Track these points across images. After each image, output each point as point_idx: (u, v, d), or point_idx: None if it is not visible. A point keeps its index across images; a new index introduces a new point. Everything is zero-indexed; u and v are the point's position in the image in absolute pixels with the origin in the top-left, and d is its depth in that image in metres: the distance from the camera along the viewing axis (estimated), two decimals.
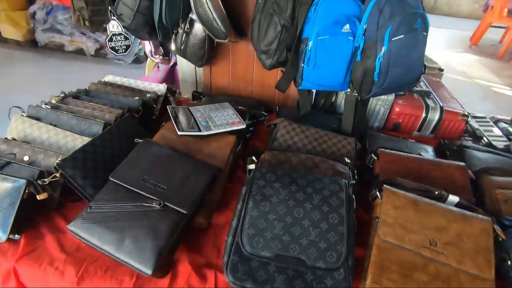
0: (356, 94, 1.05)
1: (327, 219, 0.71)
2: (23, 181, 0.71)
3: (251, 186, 0.77)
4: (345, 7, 0.91)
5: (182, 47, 1.17)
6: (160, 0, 0.99)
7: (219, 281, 0.70)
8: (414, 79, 0.95)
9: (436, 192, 0.79)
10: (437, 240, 0.68)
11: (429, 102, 1.27)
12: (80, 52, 3.13)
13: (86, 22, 1.07)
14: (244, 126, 0.98)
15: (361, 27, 0.90)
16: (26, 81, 2.75)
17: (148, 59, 1.75)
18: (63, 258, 0.69)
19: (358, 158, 1.07)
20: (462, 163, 0.91)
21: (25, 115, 0.94)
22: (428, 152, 1.08)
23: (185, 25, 1.11)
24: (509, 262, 0.69)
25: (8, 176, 0.73)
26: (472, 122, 1.37)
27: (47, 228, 0.76)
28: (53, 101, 1.02)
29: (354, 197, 0.77)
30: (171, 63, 1.65)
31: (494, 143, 1.25)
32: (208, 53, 1.20)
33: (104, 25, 1.06)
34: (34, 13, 2.96)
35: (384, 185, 0.79)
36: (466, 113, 1.24)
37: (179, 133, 0.89)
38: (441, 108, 1.24)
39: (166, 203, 0.71)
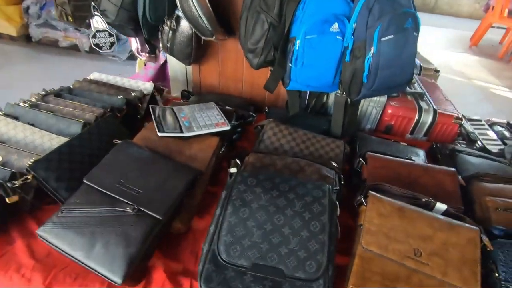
0: (346, 96, 1.02)
1: (308, 226, 0.68)
2: None
3: (231, 191, 0.74)
4: (334, 6, 0.87)
5: (169, 45, 1.14)
6: None
7: None
8: (405, 80, 0.92)
9: (424, 199, 0.76)
10: (421, 250, 0.66)
11: (423, 104, 1.24)
12: (74, 48, 3.10)
13: (69, 18, 1.04)
14: (228, 128, 0.95)
15: (350, 26, 0.86)
16: (20, 77, 2.71)
17: None
18: (31, 264, 0.67)
19: (347, 161, 1.04)
20: (452, 169, 0.89)
21: (1, 113, 0.91)
22: (419, 156, 1.05)
23: (171, 22, 1.07)
24: (496, 274, 0.66)
25: None
26: (467, 125, 1.34)
27: (18, 233, 0.73)
28: (33, 99, 0.99)
29: (337, 203, 0.74)
30: (162, 61, 1.62)
31: (488, 147, 1.22)
32: (196, 51, 1.16)
33: (87, 21, 1.02)
34: (28, 8, 2.92)
35: (370, 192, 0.76)
36: (460, 116, 1.21)
37: (159, 134, 0.86)
38: (435, 110, 1.21)
39: (141, 208, 0.68)
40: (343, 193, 0.91)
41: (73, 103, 1.00)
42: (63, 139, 0.85)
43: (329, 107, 1.27)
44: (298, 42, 0.89)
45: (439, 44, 4.40)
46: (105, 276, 0.62)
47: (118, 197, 0.70)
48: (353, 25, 0.86)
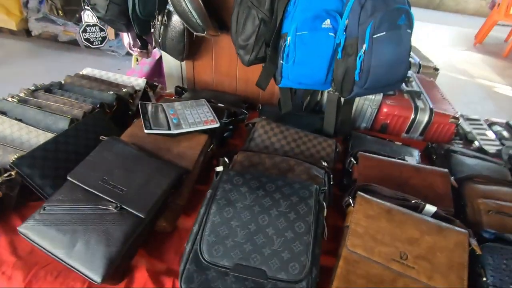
0: (338, 94, 1.00)
1: (293, 227, 0.67)
2: None
3: (216, 190, 0.72)
4: (326, 1, 0.85)
5: (161, 40, 1.12)
6: None
7: None
8: (398, 78, 0.89)
9: (413, 201, 0.74)
10: (408, 253, 0.64)
11: (419, 103, 1.21)
12: (73, 43, 3.08)
13: (60, 12, 1.02)
14: (217, 125, 0.93)
15: (342, 22, 0.84)
16: (18, 71, 2.71)
17: None
18: (12, 261, 0.66)
19: (339, 161, 1.03)
20: (445, 170, 0.87)
21: None
22: (413, 156, 1.03)
23: (162, 17, 1.06)
24: (484, 279, 0.64)
25: None
26: (464, 125, 1.32)
27: (1, 229, 0.73)
28: (22, 94, 0.98)
29: (325, 204, 0.73)
30: (157, 57, 1.60)
31: (485, 147, 1.20)
32: (188, 47, 1.15)
33: (77, 15, 1.01)
34: (27, 2, 2.90)
35: (358, 192, 0.74)
36: (457, 116, 1.19)
37: (146, 131, 0.85)
38: (431, 109, 1.18)
39: (124, 206, 0.68)
40: (334, 193, 0.90)
41: (62, 99, 0.99)
42: (50, 135, 0.84)
43: (324, 105, 1.26)
44: (289, 39, 0.87)
45: (442, 41, 4.34)
46: (85, 275, 0.61)
47: (101, 195, 0.69)
48: (345, 22, 0.84)
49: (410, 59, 1.55)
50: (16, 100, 0.94)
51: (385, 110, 1.20)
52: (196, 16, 0.95)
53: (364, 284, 0.62)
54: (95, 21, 1.05)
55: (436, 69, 1.57)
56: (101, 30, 1.08)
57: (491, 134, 1.30)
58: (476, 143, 1.21)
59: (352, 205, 0.73)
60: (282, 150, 0.96)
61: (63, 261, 0.62)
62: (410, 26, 0.81)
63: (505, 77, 3.52)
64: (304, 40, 0.86)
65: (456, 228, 0.68)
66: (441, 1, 6.01)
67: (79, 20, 1.06)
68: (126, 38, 1.17)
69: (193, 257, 0.64)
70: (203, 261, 0.64)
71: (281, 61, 0.93)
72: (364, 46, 0.80)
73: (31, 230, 0.65)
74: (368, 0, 0.79)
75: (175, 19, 1.06)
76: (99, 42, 1.09)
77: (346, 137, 1.13)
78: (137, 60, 1.49)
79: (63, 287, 0.64)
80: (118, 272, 0.65)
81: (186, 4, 0.92)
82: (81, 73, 1.21)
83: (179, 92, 1.30)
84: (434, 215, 0.72)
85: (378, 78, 0.85)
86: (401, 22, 0.79)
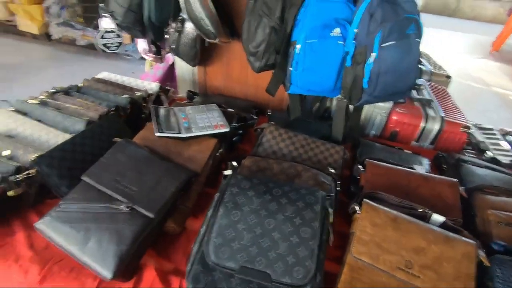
0: (347, 101, 1.01)
1: (298, 232, 0.68)
2: None
3: (224, 193, 0.74)
4: (335, 10, 0.86)
5: (174, 46, 1.16)
6: None
7: None
8: (407, 87, 0.90)
9: (420, 210, 0.74)
10: (413, 262, 0.64)
11: (430, 111, 1.21)
12: (91, 47, 3.19)
13: (79, 18, 1.07)
14: (227, 130, 0.96)
15: (351, 31, 0.85)
16: (38, 73, 2.83)
17: None
18: (29, 256, 0.69)
19: (347, 167, 1.03)
20: (454, 180, 0.86)
21: (12, 109, 0.95)
22: (423, 165, 1.03)
23: (176, 24, 1.09)
24: None
25: None
26: (477, 134, 1.29)
27: (20, 225, 0.76)
28: (42, 97, 1.03)
29: (331, 210, 0.73)
30: (170, 62, 1.65)
31: (499, 157, 1.17)
32: (201, 53, 1.18)
33: (95, 21, 1.05)
34: (49, 8, 3.03)
35: (364, 200, 0.75)
36: (469, 125, 1.17)
37: (157, 134, 0.88)
38: (442, 118, 1.17)
39: (134, 206, 0.70)
40: (341, 200, 0.90)
41: (80, 101, 1.03)
42: (68, 136, 0.88)
43: (333, 112, 1.26)
44: (298, 47, 0.89)
45: (458, 48, 4.27)
46: (96, 271, 0.63)
47: (113, 194, 0.72)
48: (355, 30, 0.85)
49: (422, 66, 1.54)
50: (36, 102, 0.98)
51: (395, 117, 1.20)
52: (209, 23, 0.98)
53: None
54: (113, 27, 1.10)
55: (448, 77, 1.55)
56: (118, 36, 1.12)
57: (505, 144, 1.28)
58: (489, 153, 1.19)
59: (358, 212, 0.74)
60: (290, 156, 0.97)
61: (76, 257, 0.65)
62: (419, 35, 0.82)
63: None
64: (313, 48, 0.88)
65: (464, 238, 0.67)
66: (457, 7, 5.92)
67: (96, 26, 1.11)
68: (141, 43, 1.22)
69: (200, 258, 0.66)
70: (209, 262, 0.65)
71: (290, 68, 0.94)
72: (373, 55, 0.81)
73: (47, 226, 0.68)
74: (378, 9, 0.80)
75: (189, 26, 1.09)
76: (115, 47, 1.14)
77: (354, 144, 1.13)
78: (150, 65, 1.53)
79: (76, 281, 0.66)
80: (128, 270, 0.67)
81: (199, 12, 0.95)
82: (97, 77, 1.26)
83: (191, 97, 1.34)
84: (442, 225, 0.72)
85: (386, 86, 0.85)
86: (410, 31, 0.80)
